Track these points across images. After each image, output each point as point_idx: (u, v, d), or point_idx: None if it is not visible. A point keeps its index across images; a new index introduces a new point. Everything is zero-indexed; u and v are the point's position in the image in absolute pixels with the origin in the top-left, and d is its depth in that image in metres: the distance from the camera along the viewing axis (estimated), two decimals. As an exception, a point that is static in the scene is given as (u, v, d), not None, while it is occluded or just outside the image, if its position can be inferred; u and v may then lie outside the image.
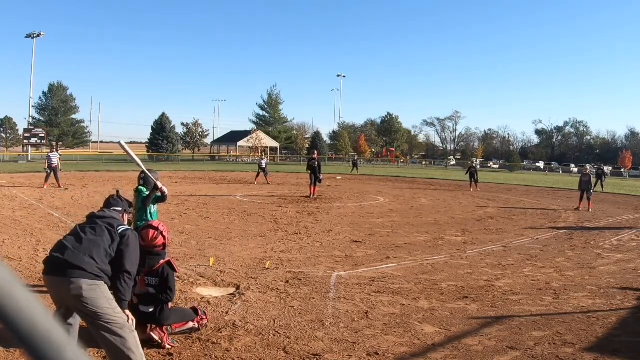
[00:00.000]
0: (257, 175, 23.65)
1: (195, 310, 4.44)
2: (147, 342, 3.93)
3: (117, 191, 3.92)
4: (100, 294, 3.13)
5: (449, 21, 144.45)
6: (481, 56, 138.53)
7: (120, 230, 3.44)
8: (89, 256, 3.20)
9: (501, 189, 25.54)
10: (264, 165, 23.70)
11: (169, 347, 4.00)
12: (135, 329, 3.34)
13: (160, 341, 4.00)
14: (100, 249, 3.29)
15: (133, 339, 3.16)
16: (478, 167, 25.95)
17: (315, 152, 20.37)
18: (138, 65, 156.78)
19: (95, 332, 3.13)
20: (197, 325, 4.34)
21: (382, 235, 9.82)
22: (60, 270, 3.12)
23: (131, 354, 3.10)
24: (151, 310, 4.09)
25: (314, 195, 16.74)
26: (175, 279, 4.41)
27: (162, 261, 4.21)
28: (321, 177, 16.90)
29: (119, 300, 3.27)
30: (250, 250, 8.00)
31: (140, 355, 3.18)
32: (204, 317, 4.43)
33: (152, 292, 4.14)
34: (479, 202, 17.51)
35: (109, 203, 3.78)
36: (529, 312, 5.19)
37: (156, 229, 4.28)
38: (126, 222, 3.78)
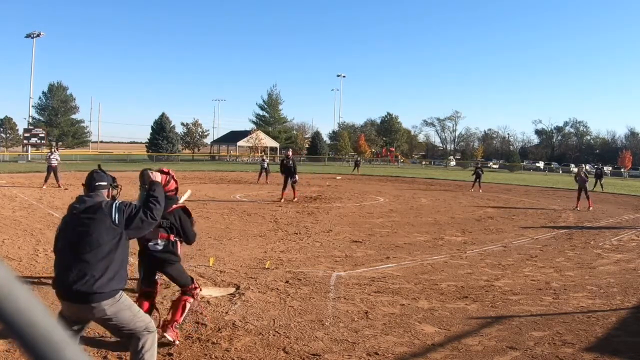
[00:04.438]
0: (260, 176, 23.65)
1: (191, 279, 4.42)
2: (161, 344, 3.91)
3: (99, 165, 3.64)
4: (122, 306, 3.06)
5: (448, 21, 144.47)
6: (481, 56, 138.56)
7: (114, 210, 3.11)
8: (99, 273, 2.98)
9: (501, 189, 25.54)
10: (266, 166, 23.73)
11: (178, 343, 4.05)
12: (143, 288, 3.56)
13: (174, 341, 4.02)
14: (105, 253, 3.03)
15: (151, 340, 3.17)
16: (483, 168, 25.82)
17: (290, 150, 18.39)
18: (138, 65, 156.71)
19: (114, 334, 3.19)
20: (192, 300, 4.28)
21: (382, 235, 9.82)
22: (77, 299, 2.96)
23: (146, 354, 3.13)
24: (160, 247, 4.10)
25: (295, 198, 15.24)
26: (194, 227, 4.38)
27: (174, 205, 4.20)
28: (296, 177, 15.40)
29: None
30: (250, 250, 8.00)
31: (154, 355, 3.21)
32: (197, 286, 4.39)
33: (163, 232, 4.13)
34: (479, 202, 17.51)
35: (92, 179, 3.35)
36: (529, 312, 5.19)
37: (167, 173, 4.30)
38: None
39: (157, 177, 3.59)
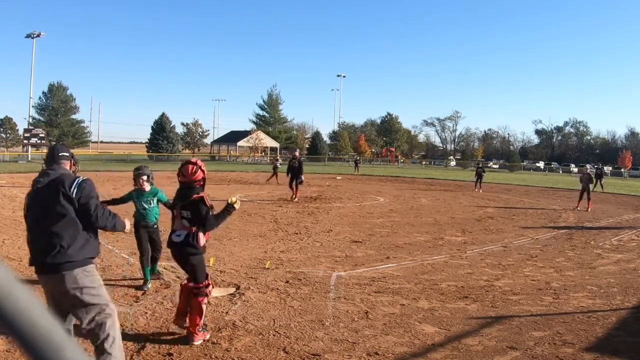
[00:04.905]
0: (272, 177, 23.22)
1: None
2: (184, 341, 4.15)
3: (58, 141, 3.72)
4: (93, 278, 3.16)
5: (448, 21, 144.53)
6: (481, 56, 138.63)
7: (75, 184, 3.15)
8: (68, 242, 3.07)
9: (501, 189, 25.54)
10: (279, 166, 23.59)
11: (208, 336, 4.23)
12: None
13: (202, 340, 4.15)
14: (72, 222, 3.11)
15: (112, 320, 3.18)
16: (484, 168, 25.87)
17: (297, 151, 18.85)
18: (138, 65, 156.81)
19: (77, 311, 3.16)
20: (206, 301, 4.36)
21: (382, 235, 9.82)
22: (50, 269, 3.06)
23: (111, 331, 3.14)
24: (181, 238, 4.19)
25: (294, 197, 15.54)
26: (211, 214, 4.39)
27: (195, 195, 4.27)
28: (302, 178, 15.69)
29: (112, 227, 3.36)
30: (250, 250, 8.00)
31: (118, 335, 3.21)
32: (210, 284, 4.45)
33: (185, 224, 4.23)
34: (479, 202, 17.51)
35: (54, 150, 3.39)
36: (529, 312, 5.19)
37: (194, 163, 4.45)
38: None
39: (127, 225, 3.69)
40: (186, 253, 4.20)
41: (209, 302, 4.49)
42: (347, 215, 12.70)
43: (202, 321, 4.23)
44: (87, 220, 3.18)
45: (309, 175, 29.82)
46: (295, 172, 15.42)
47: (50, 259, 3.03)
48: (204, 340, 4.15)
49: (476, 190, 22.58)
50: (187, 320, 4.25)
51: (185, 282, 4.43)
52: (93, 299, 3.12)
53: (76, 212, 3.13)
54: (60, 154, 3.35)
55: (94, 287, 3.15)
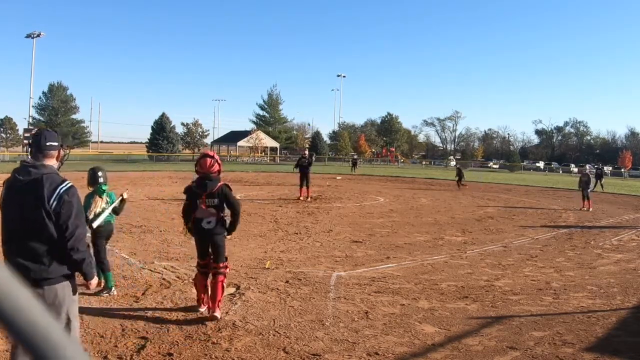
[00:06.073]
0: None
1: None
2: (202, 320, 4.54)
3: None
4: (73, 298, 2.84)
5: (449, 21, 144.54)
6: (481, 56, 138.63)
7: (56, 195, 2.69)
8: (48, 258, 2.68)
9: (501, 189, 25.53)
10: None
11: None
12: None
13: (220, 317, 4.63)
14: (53, 233, 2.69)
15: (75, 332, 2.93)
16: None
17: (307, 150, 18.90)
18: (138, 65, 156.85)
19: None
20: (226, 280, 4.90)
21: (382, 235, 9.82)
22: (29, 283, 2.63)
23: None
24: (212, 225, 4.67)
25: (307, 197, 15.77)
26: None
27: (219, 184, 4.72)
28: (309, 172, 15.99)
29: (84, 275, 2.86)
30: (250, 250, 8.00)
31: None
32: (229, 266, 5.04)
33: (212, 211, 4.68)
34: (479, 202, 17.51)
35: (42, 137, 2.85)
36: (529, 312, 5.19)
37: (212, 157, 4.86)
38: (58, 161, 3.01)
39: (95, 281, 3.12)
40: (217, 235, 4.71)
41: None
42: (347, 215, 12.69)
43: (222, 298, 4.75)
44: (62, 241, 2.70)
45: (310, 175, 29.82)
46: (304, 170, 15.71)
47: (30, 272, 2.64)
48: (221, 317, 4.63)
49: (459, 188, 22.99)
50: (209, 300, 4.72)
51: (196, 273, 4.92)
52: (68, 315, 2.80)
53: (54, 226, 2.69)
54: (48, 143, 2.82)
55: (73, 302, 2.85)
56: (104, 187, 5.48)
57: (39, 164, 2.79)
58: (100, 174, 5.49)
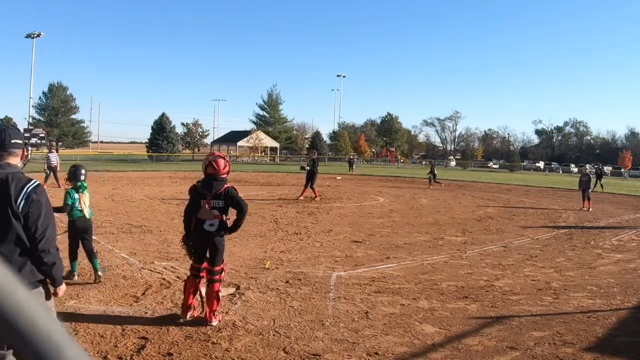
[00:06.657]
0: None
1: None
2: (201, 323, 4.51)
3: (9, 120, 3.16)
4: (42, 301, 2.67)
5: (448, 21, 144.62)
6: (481, 56, 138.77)
7: (23, 194, 2.55)
8: (17, 263, 2.54)
9: (501, 189, 25.53)
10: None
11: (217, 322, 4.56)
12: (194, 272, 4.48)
13: (217, 321, 4.54)
14: (20, 238, 2.56)
15: None
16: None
17: (315, 152, 19.27)
18: (138, 65, 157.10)
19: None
20: (222, 288, 4.77)
21: (382, 235, 9.82)
22: None
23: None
24: (215, 227, 4.60)
25: (316, 197, 16.03)
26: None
27: (226, 185, 4.69)
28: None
29: (52, 280, 2.70)
30: (250, 250, 7.99)
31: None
32: (225, 269, 4.90)
33: (216, 213, 4.61)
34: (479, 202, 17.51)
35: (6, 134, 2.68)
36: (529, 312, 5.19)
37: (224, 158, 4.89)
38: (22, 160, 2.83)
39: (63, 288, 2.90)
40: (218, 238, 4.62)
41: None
42: (347, 215, 12.69)
43: (219, 306, 4.60)
44: (32, 243, 2.57)
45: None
46: (310, 171, 16.00)
47: None
48: (218, 321, 4.54)
49: (431, 188, 23.05)
50: (205, 308, 4.60)
51: (189, 275, 4.76)
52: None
53: (23, 228, 2.56)
54: (12, 141, 2.65)
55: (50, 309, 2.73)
56: (85, 184, 5.94)
57: (4, 162, 2.62)
58: (82, 171, 5.97)
